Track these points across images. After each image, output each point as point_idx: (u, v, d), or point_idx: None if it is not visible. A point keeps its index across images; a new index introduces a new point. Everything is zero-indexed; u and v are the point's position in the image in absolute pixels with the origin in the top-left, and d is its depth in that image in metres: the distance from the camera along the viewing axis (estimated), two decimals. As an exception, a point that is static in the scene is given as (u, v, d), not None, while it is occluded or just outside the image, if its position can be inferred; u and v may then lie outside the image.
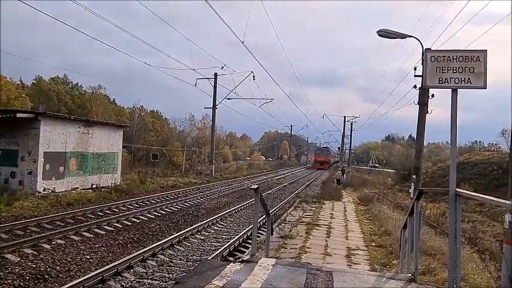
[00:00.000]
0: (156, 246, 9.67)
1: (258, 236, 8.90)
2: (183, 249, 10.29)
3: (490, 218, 23.53)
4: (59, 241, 9.83)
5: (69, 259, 8.52)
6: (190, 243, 10.97)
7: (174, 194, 20.54)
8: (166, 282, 7.51)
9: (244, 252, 9.93)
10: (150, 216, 14.31)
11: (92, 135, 19.54)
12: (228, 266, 4.91)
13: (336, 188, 29.35)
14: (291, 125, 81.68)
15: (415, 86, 13.86)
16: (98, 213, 13.91)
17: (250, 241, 9.06)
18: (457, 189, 4.40)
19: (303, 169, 71.70)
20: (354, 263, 8.63)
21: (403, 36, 13.44)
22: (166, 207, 16.22)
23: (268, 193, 24.43)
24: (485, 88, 4.51)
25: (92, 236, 10.79)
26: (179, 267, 8.59)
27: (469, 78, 4.49)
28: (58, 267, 7.93)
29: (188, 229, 12.01)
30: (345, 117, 52.17)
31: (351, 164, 55.95)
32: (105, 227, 11.83)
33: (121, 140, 22.40)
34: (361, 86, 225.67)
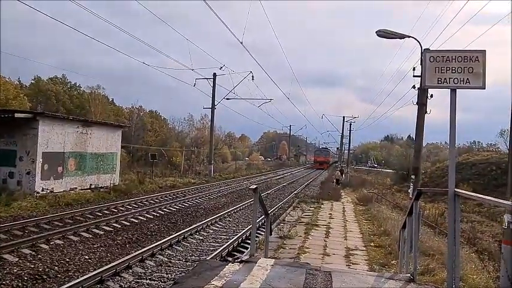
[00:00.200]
0: (155, 246, 9.65)
1: (257, 236, 8.90)
2: (181, 249, 10.27)
3: (489, 218, 23.56)
4: (58, 241, 9.81)
5: (67, 259, 8.50)
6: (189, 243, 10.95)
7: (173, 194, 20.52)
8: (165, 282, 7.50)
9: (243, 252, 9.91)
10: (149, 216, 14.29)
11: (91, 135, 19.51)
12: (226, 266, 4.90)
13: (335, 188, 29.36)
14: (290, 125, 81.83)
15: (414, 86, 13.88)
16: (97, 213, 13.88)
17: (249, 241, 9.07)
18: (456, 190, 4.41)
19: (302, 169, 71.76)
20: (352, 263, 8.63)
21: (402, 36, 13.46)
22: (165, 208, 16.20)
23: (267, 193, 24.42)
24: (484, 88, 4.51)
25: (90, 236, 10.77)
26: (178, 267, 8.58)
27: (468, 79, 4.50)
28: (56, 268, 7.91)
29: (187, 229, 11.99)
30: (344, 117, 52.17)
31: (349, 164, 55.95)
32: (104, 227, 11.81)
33: (120, 140, 22.38)
34: (360, 86, 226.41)
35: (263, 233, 10.46)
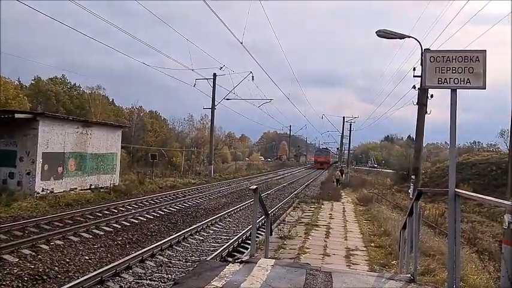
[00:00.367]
0: (155, 246, 9.65)
1: (257, 237, 8.89)
2: (182, 249, 10.26)
3: (489, 218, 23.55)
4: (58, 242, 9.80)
5: (67, 260, 8.49)
6: (189, 243, 10.95)
7: (173, 195, 20.52)
8: (165, 283, 7.50)
9: (243, 252, 9.91)
10: (149, 216, 14.28)
11: (91, 136, 19.51)
12: (227, 267, 4.90)
13: (335, 189, 29.37)
14: (290, 126, 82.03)
15: (414, 87, 13.87)
16: (97, 213, 13.87)
17: (249, 241, 9.06)
18: (457, 190, 4.40)
19: (302, 169, 71.81)
20: (353, 264, 8.63)
21: (402, 36, 13.45)
22: (165, 208, 16.19)
23: (267, 193, 24.42)
24: (485, 88, 4.51)
25: (90, 236, 10.76)
26: (178, 267, 8.58)
27: (468, 79, 4.49)
28: (57, 268, 7.90)
29: (187, 230, 11.98)
30: (344, 117, 52.18)
31: (350, 165, 55.94)
32: (104, 227, 11.81)
33: (120, 140, 22.37)
34: (360, 87, 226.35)
35: (263, 234, 10.46)
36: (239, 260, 5.26)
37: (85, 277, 7.12)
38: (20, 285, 6.94)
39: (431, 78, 4.66)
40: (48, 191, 16.56)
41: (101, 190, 19.35)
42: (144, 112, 53.23)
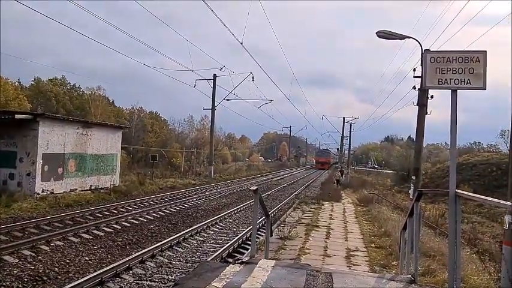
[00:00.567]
0: (155, 247, 9.64)
1: (257, 237, 8.88)
2: (182, 250, 10.26)
3: (490, 219, 23.52)
4: (58, 243, 9.80)
5: (67, 261, 8.49)
6: (189, 244, 10.94)
7: (173, 195, 20.51)
8: (165, 283, 7.50)
9: (244, 253, 9.90)
10: (149, 217, 14.28)
11: (91, 137, 19.51)
12: (227, 268, 4.89)
13: (335, 189, 29.36)
14: (290, 126, 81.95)
15: (414, 87, 13.85)
16: (97, 214, 13.87)
17: (250, 242, 9.04)
18: (457, 191, 4.39)
19: (302, 170, 71.84)
20: (353, 265, 8.63)
21: (402, 37, 13.44)
22: (165, 209, 16.19)
23: (267, 194, 24.41)
24: (485, 89, 4.50)
25: (90, 237, 10.76)
26: (178, 268, 8.57)
27: (468, 79, 4.48)
28: (57, 269, 7.90)
29: (187, 230, 11.98)
30: (344, 118, 52.18)
31: (350, 165, 55.92)
32: (104, 228, 11.80)
33: (120, 141, 22.38)
34: (360, 87, 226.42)
35: (263, 234, 10.44)
36: (239, 261, 5.25)
37: (85, 278, 7.12)
38: (20, 286, 6.94)
39: (431, 79, 4.65)
40: (48, 192, 16.55)
41: (101, 191, 19.34)
42: (144, 113, 53.28)
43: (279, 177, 43.53)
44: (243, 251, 10.61)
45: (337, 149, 74.02)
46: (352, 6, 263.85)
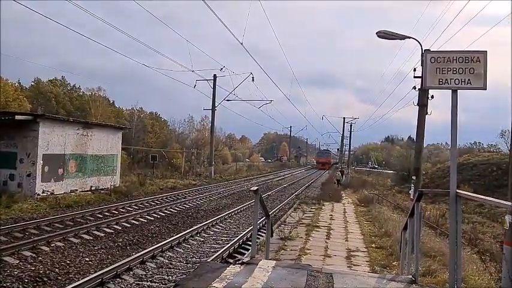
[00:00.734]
0: (156, 248, 9.65)
1: (257, 238, 8.88)
2: (182, 251, 10.26)
3: (490, 219, 23.53)
4: (58, 243, 9.80)
5: (68, 261, 8.49)
6: (189, 245, 10.94)
7: (174, 196, 20.51)
8: (165, 284, 7.50)
9: (244, 254, 9.90)
10: (150, 218, 14.28)
11: (91, 137, 19.52)
12: (227, 268, 4.88)
13: (336, 189, 29.34)
14: (291, 126, 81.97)
15: (414, 87, 13.84)
16: (97, 215, 13.87)
17: (250, 243, 9.04)
18: (458, 191, 4.39)
19: (302, 170, 71.87)
20: (354, 265, 8.62)
21: (403, 37, 13.43)
22: (165, 209, 16.18)
23: (267, 194, 24.40)
24: (485, 89, 4.50)
25: (91, 238, 10.76)
26: (179, 269, 8.57)
27: (469, 79, 4.48)
28: (57, 270, 7.90)
29: (188, 231, 11.98)
30: (344, 118, 52.13)
31: (350, 165, 55.90)
32: (105, 229, 11.80)
33: (120, 141, 22.39)
34: (360, 87, 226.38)
35: (264, 235, 10.44)
36: (240, 262, 5.24)
37: (86, 279, 7.12)
38: (21, 287, 6.94)
39: (431, 79, 4.65)
40: (49, 193, 16.56)
41: (102, 191, 19.35)
42: (145, 113, 53.26)
43: (279, 178, 43.52)
44: (243, 251, 10.61)
45: (338, 149, 74.12)
46: (352, 6, 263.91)
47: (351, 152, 61.25)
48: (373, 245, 10.73)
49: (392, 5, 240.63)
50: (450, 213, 4.59)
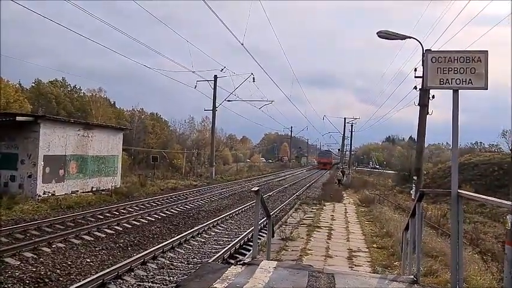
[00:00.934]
0: (157, 249, 9.63)
1: (258, 239, 8.87)
2: (183, 251, 10.25)
3: (492, 218, 23.53)
4: (59, 244, 9.80)
5: (69, 262, 8.49)
6: (191, 245, 10.93)
7: (175, 197, 20.51)
8: (167, 285, 7.49)
9: (245, 254, 9.89)
10: (151, 218, 14.27)
11: (92, 138, 19.53)
12: (229, 269, 4.88)
13: (337, 190, 29.33)
14: (291, 127, 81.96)
15: (415, 87, 13.81)
16: (98, 216, 13.87)
17: (251, 243, 9.04)
18: (459, 191, 4.38)
19: (303, 171, 71.87)
20: (355, 265, 8.61)
21: (403, 37, 13.40)
22: (166, 210, 16.18)
23: (268, 195, 24.38)
24: (487, 89, 4.50)
25: (92, 239, 10.76)
26: (180, 270, 8.56)
27: (470, 79, 4.48)
28: (58, 271, 7.90)
29: (189, 231, 11.97)
30: (345, 118, 52.13)
31: (351, 166, 55.87)
32: (106, 230, 11.80)
33: (121, 142, 22.40)
34: (360, 87, 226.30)
35: (265, 235, 10.43)
36: (241, 262, 5.24)
37: (87, 280, 7.11)
38: (22, 288, 6.94)
39: (432, 79, 4.64)
40: (50, 194, 16.56)
41: (103, 192, 19.35)
42: (145, 114, 53.30)
43: (280, 178, 43.51)
44: (244, 252, 10.59)
45: (338, 150, 74.16)
46: (352, 6, 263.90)
47: (352, 152, 61.30)
48: (375, 245, 10.71)
49: (392, 5, 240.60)
50: (451, 213, 4.58)
